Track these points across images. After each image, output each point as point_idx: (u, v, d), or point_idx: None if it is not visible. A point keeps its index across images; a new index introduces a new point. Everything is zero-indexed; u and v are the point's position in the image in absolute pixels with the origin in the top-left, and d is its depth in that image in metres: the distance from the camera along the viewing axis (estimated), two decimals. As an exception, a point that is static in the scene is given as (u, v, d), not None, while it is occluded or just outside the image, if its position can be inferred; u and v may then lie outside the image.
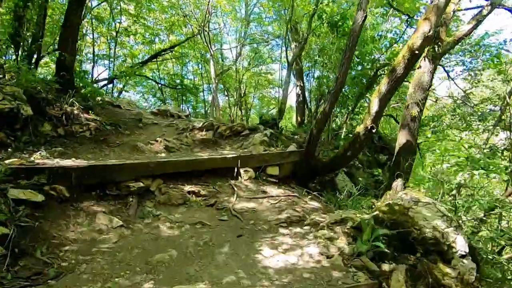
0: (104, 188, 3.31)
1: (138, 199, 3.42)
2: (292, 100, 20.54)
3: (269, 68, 18.88)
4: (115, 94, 18.34)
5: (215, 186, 4.11)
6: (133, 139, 5.23)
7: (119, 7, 15.64)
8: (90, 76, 15.16)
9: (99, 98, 7.26)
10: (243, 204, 3.85)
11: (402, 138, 5.01)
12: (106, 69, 16.70)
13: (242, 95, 17.29)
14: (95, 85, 14.52)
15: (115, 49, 15.95)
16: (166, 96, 21.05)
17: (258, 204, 3.93)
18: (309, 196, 4.63)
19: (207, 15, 13.85)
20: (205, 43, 14.24)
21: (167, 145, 5.04)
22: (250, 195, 4.14)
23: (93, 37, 15.30)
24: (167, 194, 3.59)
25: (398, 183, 4.90)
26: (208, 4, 13.17)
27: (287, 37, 9.16)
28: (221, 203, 3.76)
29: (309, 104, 10.65)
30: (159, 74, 19.75)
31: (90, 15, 15.12)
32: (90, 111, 5.58)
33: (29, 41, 5.99)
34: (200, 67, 20.36)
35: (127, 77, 16.19)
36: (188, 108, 21.77)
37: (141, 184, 3.46)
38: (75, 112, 5.09)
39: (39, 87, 4.78)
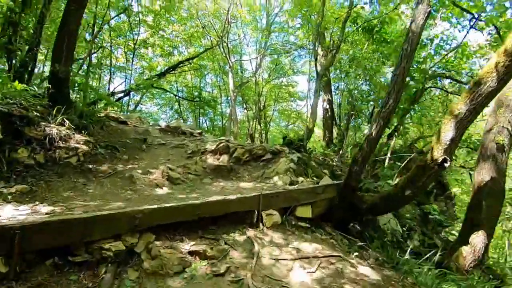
0: (66, 252, 2.30)
1: (115, 268, 2.37)
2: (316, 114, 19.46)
3: (290, 80, 17.88)
4: (132, 107, 17.99)
5: (228, 241, 2.99)
6: (130, 167, 4.26)
7: (137, 19, 15.36)
8: (106, 89, 14.85)
9: (102, 114, 6.47)
10: (266, 271, 2.71)
11: (483, 173, 3.71)
12: (123, 81, 16.42)
13: (262, 109, 16.34)
14: (112, 98, 14.28)
15: (132, 61, 15.60)
16: (184, 108, 20.51)
17: (287, 270, 2.77)
18: (356, 254, 3.39)
19: (226, 26, 13.15)
20: (224, 55, 13.49)
21: (170, 175, 4.02)
22: (276, 254, 2.99)
23: (110, 48, 15.04)
24: (159, 258, 2.52)
25: (478, 239, 3.57)
26: (228, 14, 12.45)
27: (315, 45, 8.10)
28: (235, 272, 2.63)
29: (337, 119, 9.44)
30: (177, 87, 19.28)
31: (108, 26, 14.95)
32: (83, 131, 4.70)
33: (24, 50, 5.27)
34: (218, 79, 19.73)
35: (144, 90, 15.73)
36: (205, 121, 21.15)
37: (121, 246, 2.41)
38: (63, 133, 4.20)
39: (20, 103, 3.94)
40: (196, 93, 19.92)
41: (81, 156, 4.05)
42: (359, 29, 7.59)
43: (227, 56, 13.16)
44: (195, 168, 4.50)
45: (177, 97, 18.91)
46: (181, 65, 17.84)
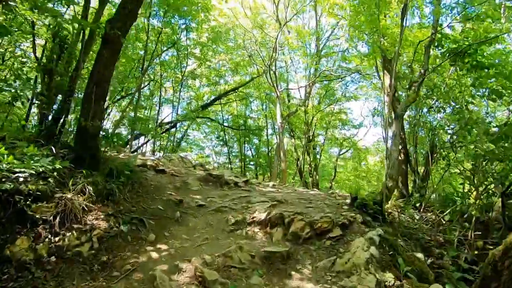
0: None
1: None
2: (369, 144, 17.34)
3: (342, 106, 16.28)
4: (180, 134, 17.92)
5: None
6: (155, 256, 3.23)
7: (186, 52, 15.50)
8: (155, 120, 14.97)
9: (138, 162, 5.77)
10: None
11: None
12: (171, 112, 16.50)
13: (311, 139, 14.94)
14: (158, 128, 14.24)
15: (180, 91, 15.64)
16: (229, 137, 20.03)
17: None
18: None
19: (273, 54, 12.38)
20: (270, 84, 12.63)
21: (204, 277, 2.87)
22: None
23: (160, 81, 15.27)
24: None
25: None
26: (276, 42, 11.68)
27: (382, 74, 6.66)
28: None
29: (411, 163, 7.63)
30: (222, 115, 18.97)
31: (158, 60, 15.31)
32: (109, 197, 3.87)
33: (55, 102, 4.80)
34: (264, 106, 18.95)
35: (190, 121, 15.54)
36: (251, 149, 20.34)
37: None
38: (80, 206, 3.38)
39: (31, 173, 3.22)
40: (241, 122, 19.41)
41: (95, 242, 3.14)
42: (445, 53, 5.99)
43: (275, 85, 12.25)
44: (240, 257, 3.30)
45: (222, 126, 18.53)
46: (227, 94, 17.55)
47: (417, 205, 6.19)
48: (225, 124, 18.37)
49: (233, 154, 20.01)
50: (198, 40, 15.83)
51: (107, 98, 5.87)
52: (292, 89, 15.41)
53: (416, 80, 5.45)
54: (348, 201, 5.10)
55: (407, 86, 5.88)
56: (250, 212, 4.43)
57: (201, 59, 16.05)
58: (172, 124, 13.88)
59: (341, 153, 17.80)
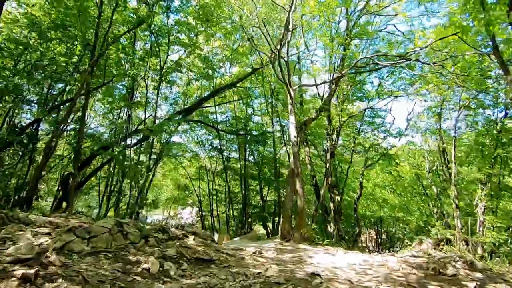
0: None
1: None
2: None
3: (375, 106, 12.29)
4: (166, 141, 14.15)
5: None
6: None
7: (167, 37, 11.65)
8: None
9: None
10: None
11: None
12: (148, 116, 12.69)
13: (332, 155, 11.05)
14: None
15: (158, 89, 11.82)
16: (228, 140, 16.13)
17: None
18: None
19: (285, 34, 8.40)
20: (280, 79, 8.67)
21: None
22: None
23: (133, 76, 11.48)
24: None
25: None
26: (290, 11, 7.65)
27: None
28: None
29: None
30: (216, 117, 15.04)
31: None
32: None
33: None
34: (269, 103, 14.87)
35: (168, 130, 11.78)
36: (253, 154, 16.45)
37: None
38: None
39: None
40: (240, 126, 15.53)
41: None
42: None
43: (286, 80, 8.31)
44: None
45: (218, 131, 14.70)
46: (222, 92, 13.68)
47: None
48: (220, 128, 14.56)
49: (233, 157, 16.04)
50: (184, 20, 11.93)
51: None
52: (309, 85, 11.44)
53: None
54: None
55: None
56: None
57: (188, 46, 12.19)
58: (141, 140, 10.13)
59: (367, 165, 13.84)
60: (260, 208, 14.27)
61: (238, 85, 13.76)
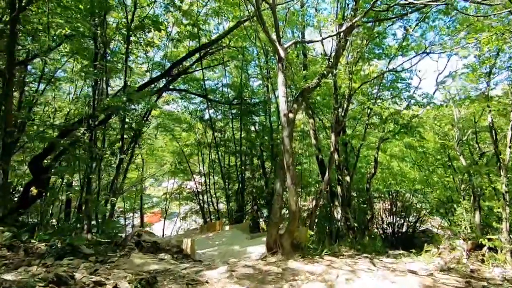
0: None
1: None
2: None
3: (396, 64, 9.62)
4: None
5: None
6: None
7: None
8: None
9: None
10: None
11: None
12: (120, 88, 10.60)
13: (342, 123, 8.84)
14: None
15: (127, 53, 9.62)
16: (222, 110, 14.01)
17: None
18: None
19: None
20: (265, 33, 6.31)
21: None
22: None
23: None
24: None
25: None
26: None
27: None
28: None
29: None
30: (204, 84, 12.72)
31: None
32: None
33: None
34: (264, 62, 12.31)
35: (146, 104, 9.73)
36: (255, 125, 14.29)
37: None
38: None
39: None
40: (237, 92, 13.25)
41: None
42: None
43: (271, 34, 5.98)
44: None
45: (208, 100, 12.57)
46: (205, 50, 11.24)
47: None
48: (210, 98, 12.40)
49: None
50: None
51: None
52: (306, 42, 8.89)
53: None
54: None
55: None
56: None
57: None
58: (106, 117, 8.25)
59: (384, 138, 11.56)
60: (259, 189, 12.64)
61: (230, 44, 11.33)
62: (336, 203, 10.11)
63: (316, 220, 6.68)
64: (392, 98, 9.69)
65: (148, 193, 21.31)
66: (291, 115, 6.21)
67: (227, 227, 10.05)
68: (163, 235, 18.07)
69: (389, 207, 17.71)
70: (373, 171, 11.18)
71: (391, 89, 9.68)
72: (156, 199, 21.43)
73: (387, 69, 8.32)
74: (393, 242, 16.48)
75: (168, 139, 16.43)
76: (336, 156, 9.13)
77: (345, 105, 8.75)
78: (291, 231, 5.67)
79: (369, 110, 8.61)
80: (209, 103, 12.25)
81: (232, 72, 14.87)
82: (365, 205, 12.44)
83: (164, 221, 18.62)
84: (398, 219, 17.17)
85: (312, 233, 6.65)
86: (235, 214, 11.89)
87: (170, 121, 15.21)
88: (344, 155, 10.40)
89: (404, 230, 16.56)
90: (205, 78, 12.52)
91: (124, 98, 7.25)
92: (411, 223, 16.87)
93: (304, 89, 6.82)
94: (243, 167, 12.80)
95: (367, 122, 8.68)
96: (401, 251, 15.66)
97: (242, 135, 12.76)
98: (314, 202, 7.22)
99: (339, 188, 9.78)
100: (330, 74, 6.90)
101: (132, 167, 17.34)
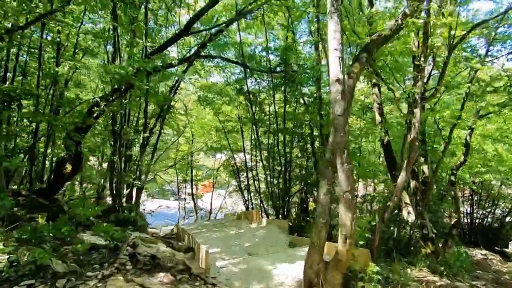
0: None
1: None
2: None
3: None
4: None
5: None
6: None
7: None
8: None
9: None
10: None
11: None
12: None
13: (422, 99, 6.00)
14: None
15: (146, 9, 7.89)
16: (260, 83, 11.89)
17: None
18: None
19: None
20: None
21: None
22: None
23: None
24: None
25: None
26: None
27: None
28: None
29: None
30: (241, 49, 10.51)
31: None
32: None
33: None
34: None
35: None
36: (303, 98, 11.89)
37: None
38: None
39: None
40: (280, 57, 10.91)
41: None
42: None
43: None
44: None
45: (246, 68, 10.54)
46: (249, 12, 9.02)
47: None
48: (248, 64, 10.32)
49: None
50: None
51: None
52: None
53: None
54: None
55: None
56: None
57: None
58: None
59: (482, 114, 8.31)
60: (308, 173, 10.60)
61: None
62: (407, 200, 7.62)
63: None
64: (507, 56, 6.40)
65: (202, 163, 21.25)
66: (349, 80, 3.96)
67: (264, 220, 8.45)
68: (210, 210, 17.83)
69: (469, 195, 14.26)
70: (462, 158, 8.21)
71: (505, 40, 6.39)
72: (207, 170, 21.22)
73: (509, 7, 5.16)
74: (470, 238, 13.43)
75: (213, 113, 15.17)
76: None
77: (429, 68, 5.89)
78: (342, 261, 3.68)
79: (473, 73, 5.67)
80: (247, 72, 10.27)
81: (279, 35, 12.50)
82: (443, 202, 9.54)
83: (212, 193, 18.30)
84: (479, 210, 13.86)
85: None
86: (278, 203, 10.18)
87: (211, 93, 13.85)
88: (421, 136, 7.66)
89: (485, 222, 13.38)
90: (245, 43, 10.46)
91: (130, 68, 5.73)
92: (498, 216, 13.48)
93: (372, 40, 4.38)
94: (289, 146, 10.85)
95: (467, 91, 5.77)
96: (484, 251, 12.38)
97: (287, 110, 10.64)
98: (379, 215, 4.98)
99: (413, 183, 7.23)
100: (416, 14, 4.28)
101: (182, 140, 17.25)
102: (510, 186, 13.96)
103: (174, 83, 9.35)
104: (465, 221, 13.45)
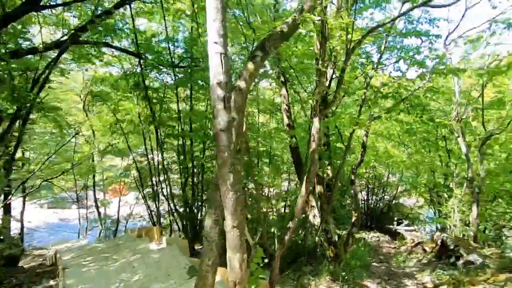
0: None
1: None
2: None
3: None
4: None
5: None
6: None
7: None
8: None
9: None
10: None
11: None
12: None
13: (332, 98, 5.81)
14: None
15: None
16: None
17: None
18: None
19: None
20: None
21: None
22: None
23: None
24: None
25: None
26: None
27: None
28: None
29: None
30: (135, 37, 8.75)
31: None
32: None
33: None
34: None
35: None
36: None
37: None
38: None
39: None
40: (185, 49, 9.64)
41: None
42: None
43: None
44: None
45: (140, 60, 8.90)
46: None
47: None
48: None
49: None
50: None
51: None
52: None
53: None
54: None
55: None
56: None
57: None
58: None
59: (375, 116, 8.91)
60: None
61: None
62: (313, 203, 7.59)
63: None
64: (395, 64, 6.81)
65: (111, 164, 18.17)
66: (241, 83, 3.19)
67: (164, 240, 7.25)
68: (118, 219, 15.26)
69: (365, 185, 16.14)
70: (359, 158, 8.68)
71: (397, 50, 6.78)
72: (120, 170, 18.28)
73: (399, 15, 5.31)
74: (366, 223, 15.16)
75: (110, 111, 12.77)
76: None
77: (330, 71, 5.77)
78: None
79: (368, 79, 5.73)
80: (143, 65, 8.69)
81: (187, 25, 11.19)
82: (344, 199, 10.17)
83: (119, 200, 15.69)
84: (373, 197, 15.96)
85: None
86: (182, 215, 9.07)
87: (105, 86, 11.63)
88: (324, 139, 7.71)
89: (378, 207, 15.10)
90: (148, 32, 8.84)
91: None
92: (386, 201, 15.81)
93: (271, 35, 3.72)
94: (200, 149, 9.80)
95: (363, 96, 5.83)
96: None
97: (195, 109, 9.55)
98: (278, 240, 4.47)
99: (318, 187, 7.18)
100: (316, 12, 3.82)
101: (84, 140, 14.15)
102: (395, 175, 16.38)
103: (40, 74, 7.11)
104: (363, 208, 15.15)
